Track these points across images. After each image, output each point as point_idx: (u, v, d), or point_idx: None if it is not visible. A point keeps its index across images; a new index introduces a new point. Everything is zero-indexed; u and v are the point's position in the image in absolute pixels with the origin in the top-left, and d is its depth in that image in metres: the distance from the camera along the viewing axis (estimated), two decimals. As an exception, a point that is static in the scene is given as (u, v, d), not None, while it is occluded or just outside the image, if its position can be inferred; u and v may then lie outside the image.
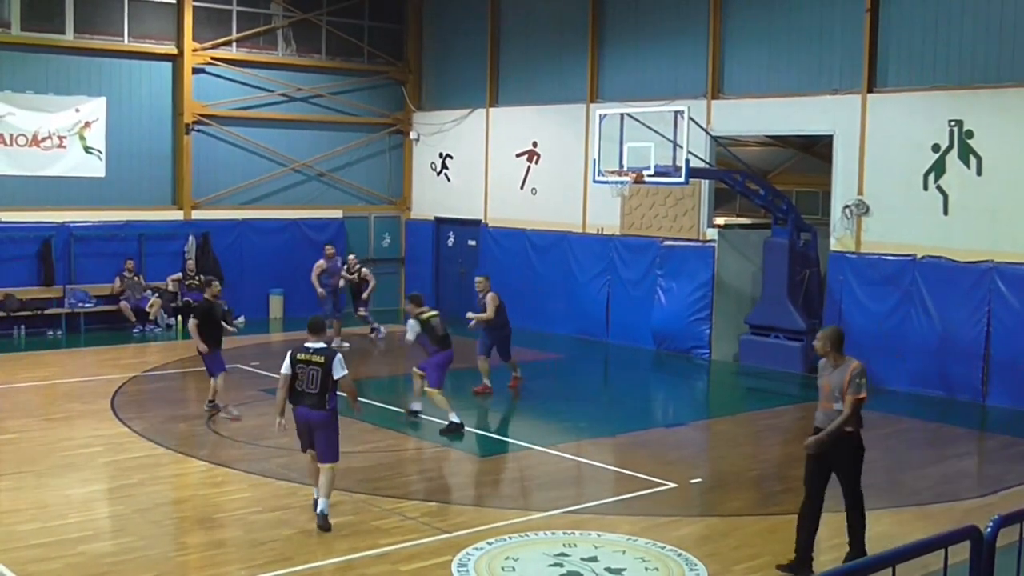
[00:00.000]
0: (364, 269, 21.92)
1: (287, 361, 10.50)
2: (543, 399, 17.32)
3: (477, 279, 17.41)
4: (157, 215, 23.71)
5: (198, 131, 24.13)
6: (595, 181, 19.59)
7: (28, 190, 22.15)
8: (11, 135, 21.93)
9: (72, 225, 22.44)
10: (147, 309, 22.53)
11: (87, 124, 22.77)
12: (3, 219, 21.73)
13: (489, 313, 16.74)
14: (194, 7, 23.78)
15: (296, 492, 11.55)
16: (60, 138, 22.51)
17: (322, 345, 10.61)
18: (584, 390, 18.55)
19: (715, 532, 10.65)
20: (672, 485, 12.11)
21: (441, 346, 14.74)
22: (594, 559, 9.60)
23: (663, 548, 9.92)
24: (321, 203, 25.94)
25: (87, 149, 22.83)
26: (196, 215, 24.16)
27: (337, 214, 26.08)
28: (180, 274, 23.21)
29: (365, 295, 21.73)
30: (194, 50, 23.86)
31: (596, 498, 11.92)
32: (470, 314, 17.10)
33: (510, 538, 10.14)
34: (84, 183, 22.79)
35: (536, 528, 10.48)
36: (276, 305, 24.71)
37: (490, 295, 16.86)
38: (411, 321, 14.64)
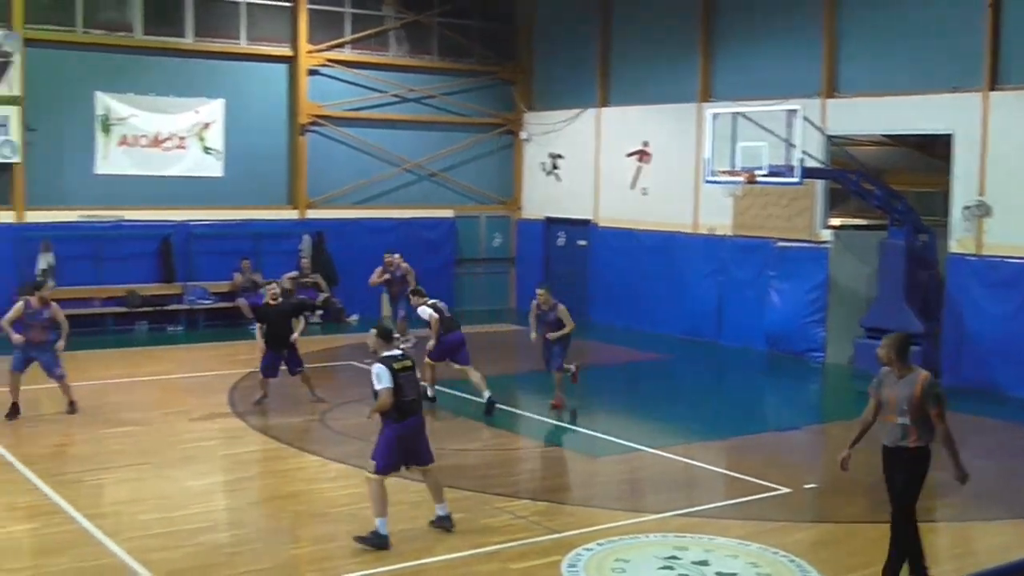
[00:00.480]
0: (404, 264, 20.95)
1: (388, 375, 9.83)
2: (653, 400, 17.23)
3: (539, 291, 15.96)
4: (273, 214, 24.17)
5: (313, 132, 24.53)
6: (707, 181, 19.41)
7: (150, 189, 22.74)
8: (134, 136, 22.56)
9: (191, 224, 23.01)
10: (263, 306, 22.92)
11: (206, 125, 23.30)
12: (126, 218, 22.38)
13: (571, 324, 15.74)
14: (309, 10, 24.18)
15: (407, 488, 11.64)
16: (180, 139, 23.08)
17: (401, 351, 10.43)
18: (694, 392, 18.40)
19: (829, 538, 10.49)
20: (785, 490, 11.94)
21: (449, 329, 15.82)
22: (705, 563, 9.53)
23: (776, 553, 9.79)
24: (432, 203, 26.15)
25: (206, 150, 23.37)
26: (311, 214, 24.56)
27: (448, 214, 26.28)
28: (295, 272, 23.59)
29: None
30: (309, 52, 24.26)
31: (707, 501, 11.82)
32: (550, 334, 15.67)
33: (620, 540, 10.12)
34: (203, 183, 23.33)
35: (646, 530, 10.44)
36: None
37: (561, 307, 15.71)
38: (421, 308, 15.91)
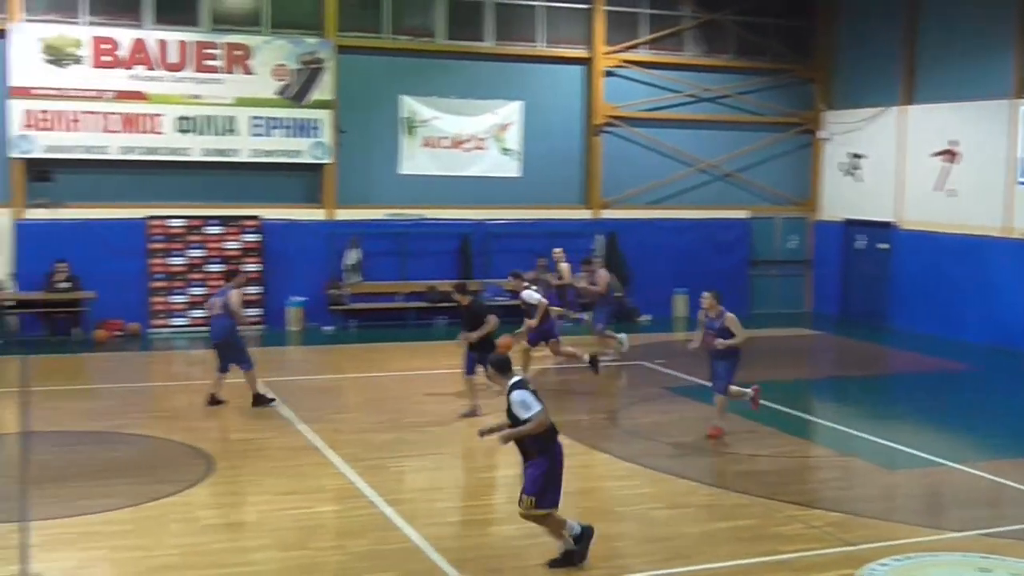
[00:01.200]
0: (563, 264, 20.86)
1: (533, 397, 9.33)
2: (957, 412, 16.37)
3: (704, 295, 14.05)
4: (567, 214, 24.52)
5: (607, 132, 24.72)
6: (1020, 182, 18.34)
7: (450, 189, 23.58)
8: (436, 137, 23.44)
9: (489, 223, 23.67)
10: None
11: (504, 127, 23.91)
12: (428, 216, 23.28)
13: (742, 334, 13.80)
14: (605, 11, 24.39)
15: (695, 491, 11.59)
16: (479, 140, 23.80)
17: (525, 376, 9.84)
18: (1003, 405, 17.32)
19: None
20: (1105, 514, 11.11)
21: (545, 316, 17.06)
22: (1013, 586, 8.99)
23: (1093, 581, 9.12)
24: (726, 203, 25.85)
25: (504, 150, 23.99)
26: (604, 214, 24.77)
27: (743, 214, 25.91)
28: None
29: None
30: (605, 53, 24.46)
31: (1016, 522, 11.09)
32: (720, 342, 13.74)
33: (918, 556, 9.67)
34: (500, 183, 23.96)
35: (947, 548, 9.93)
36: (680, 304, 24.87)
37: (729, 315, 13.83)
38: (527, 293, 17.19)
